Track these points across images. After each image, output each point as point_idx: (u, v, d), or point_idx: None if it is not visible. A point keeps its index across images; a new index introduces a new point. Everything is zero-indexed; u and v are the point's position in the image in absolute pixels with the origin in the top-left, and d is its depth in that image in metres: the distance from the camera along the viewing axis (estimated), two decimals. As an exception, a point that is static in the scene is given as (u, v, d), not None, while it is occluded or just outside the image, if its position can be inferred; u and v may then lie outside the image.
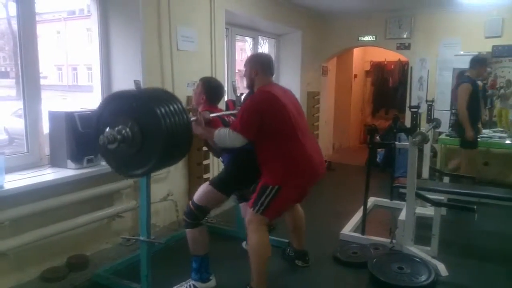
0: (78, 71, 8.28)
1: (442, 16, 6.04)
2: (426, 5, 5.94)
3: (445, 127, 5.44)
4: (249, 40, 6.03)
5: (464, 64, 5.80)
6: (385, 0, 5.72)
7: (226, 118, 2.88)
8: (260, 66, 2.66)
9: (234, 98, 3.25)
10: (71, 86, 8.11)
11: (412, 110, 4.50)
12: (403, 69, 8.20)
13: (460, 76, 5.81)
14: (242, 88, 4.46)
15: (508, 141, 4.96)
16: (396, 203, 4.48)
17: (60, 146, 2.94)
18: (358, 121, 9.18)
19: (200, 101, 2.91)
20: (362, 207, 3.81)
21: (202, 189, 2.75)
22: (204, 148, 4.05)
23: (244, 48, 7.28)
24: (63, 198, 2.85)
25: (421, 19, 6.23)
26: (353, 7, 6.26)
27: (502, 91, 5.63)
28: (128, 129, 2.05)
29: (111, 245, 3.35)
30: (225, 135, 2.50)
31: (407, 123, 5.89)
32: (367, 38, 6.71)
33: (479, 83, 5.00)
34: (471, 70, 4.68)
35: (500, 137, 5.06)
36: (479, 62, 4.72)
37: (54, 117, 2.96)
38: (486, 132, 5.23)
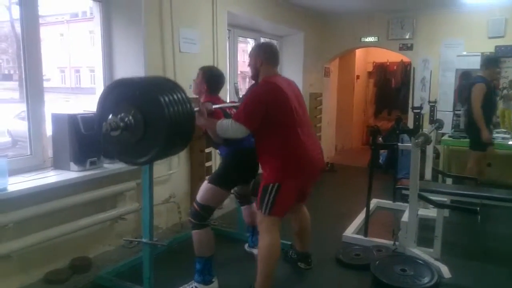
0: (81, 73, 8.31)
1: (445, 16, 6.03)
2: (429, 6, 5.93)
3: (448, 128, 5.43)
4: (251, 42, 6.03)
5: (467, 64, 5.83)
6: (387, 1, 5.72)
7: (228, 110, 2.88)
8: (265, 56, 2.64)
9: (236, 99, 3.25)
10: (74, 88, 8.14)
11: (415, 111, 4.49)
12: (406, 70, 8.18)
13: (465, 76, 5.82)
14: (244, 90, 4.47)
15: (511, 142, 4.93)
16: (398, 204, 4.46)
17: (63, 148, 2.95)
18: (361, 122, 9.18)
19: (201, 90, 2.90)
20: (364, 209, 3.81)
21: (202, 188, 2.77)
22: (207, 150, 4.07)
23: (246, 50, 7.30)
24: (66, 200, 2.86)
25: (424, 19, 6.22)
26: (355, 8, 6.26)
27: (505, 91, 5.62)
28: (131, 117, 2.04)
29: (114, 247, 3.35)
30: (227, 126, 2.48)
31: (410, 124, 5.87)
32: (370, 39, 6.70)
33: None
34: (485, 70, 4.61)
35: (503, 138, 5.04)
36: (492, 62, 4.65)
37: (57, 119, 2.97)
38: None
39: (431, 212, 3.87)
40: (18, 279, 2.70)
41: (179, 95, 2.12)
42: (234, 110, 2.89)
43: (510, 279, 3.06)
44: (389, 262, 3.05)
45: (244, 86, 4.72)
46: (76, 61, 8.16)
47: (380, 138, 5.98)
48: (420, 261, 3.05)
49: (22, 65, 2.89)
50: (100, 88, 3.56)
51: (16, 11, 2.87)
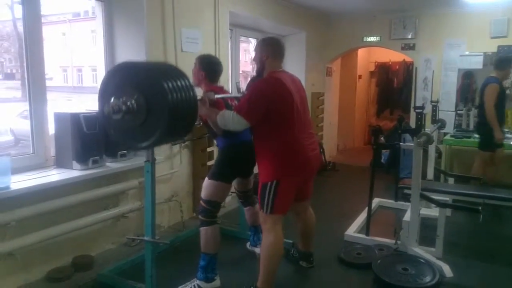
0: (83, 73, 8.32)
1: (447, 16, 6.02)
2: (431, 6, 5.92)
3: (450, 128, 5.43)
4: (253, 41, 6.04)
5: (469, 64, 5.83)
6: (390, 1, 5.71)
7: (229, 102, 2.88)
8: (271, 50, 2.63)
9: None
10: (76, 88, 8.15)
11: (417, 110, 4.48)
12: (408, 69, 8.17)
13: (467, 76, 5.81)
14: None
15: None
16: (400, 204, 4.46)
17: (65, 147, 2.96)
18: (363, 122, 9.17)
19: (199, 78, 2.87)
20: (366, 208, 3.81)
21: (204, 185, 2.80)
22: (209, 149, 4.07)
23: (248, 49, 7.30)
24: (69, 199, 2.87)
25: (426, 19, 6.21)
26: (358, 8, 6.25)
27: (508, 91, 5.60)
28: (133, 101, 2.02)
29: (116, 246, 3.36)
30: (229, 118, 2.47)
31: (412, 123, 5.87)
32: (372, 38, 6.70)
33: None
34: (497, 70, 4.54)
35: (506, 138, 5.02)
36: (505, 62, 4.59)
37: (59, 118, 2.98)
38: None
39: (433, 212, 3.87)
40: (20, 277, 2.70)
41: (183, 82, 2.09)
42: (236, 101, 2.90)
43: (512, 278, 3.06)
44: (390, 261, 3.05)
45: (245, 85, 4.72)
46: (78, 61, 8.16)
47: (382, 138, 5.98)
48: (422, 260, 3.05)
49: (25, 64, 2.90)
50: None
51: (18, 10, 2.88)
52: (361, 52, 8.37)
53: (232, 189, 3.16)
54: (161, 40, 3.60)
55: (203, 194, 2.78)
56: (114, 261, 3.07)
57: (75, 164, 2.95)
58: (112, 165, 3.17)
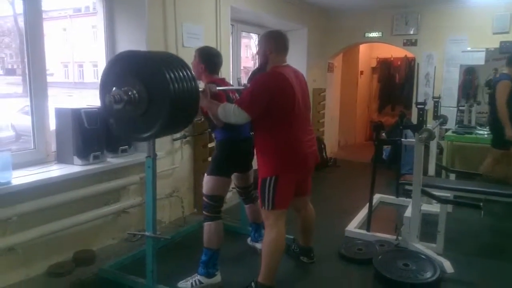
0: (84, 68, 8.32)
1: (449, 12, 5.99)
2: (433, 1, 5.89)
3: (451, 124, 5.41)
4: (254, 37, 6.02)
5: (471, 60, 5.81)
6: (392, -4, 5.69)
7: (231, 94, 2.87)
8: (275, 43, 2.61)
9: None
10: (77, 83, 8.15)
11: (419, 106, 4.46)
12: (410, 65, 8.16)
13: (469, 72, 5.78)
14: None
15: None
16: (402, 200, 4.45)
17: (66, 142, 2.95)
18: (364, 118, 9.15)
19: (199, 70, 2.85)
20: (367, 204, 3.81)
21: (204, 181, 2.80)
22: (210, 145, 4.07)
23: (249, 45, 7.29)
24: (70, 194, 2.87)
25: (428, 15, 6.18)
26: (360, 3, 6.22)
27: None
28: (135, 91, 2.00)
29: (117, 241, 3.37)
30: (230, 110, 2.45)
31: (414, 119, 5.86)
32: (374, 34, 6.67)
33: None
34: (510, 67, 4.49)
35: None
36: None
37: (60, 113, 2.98)
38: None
39: (434, 208, 3.87)
40: (22, 272, 2.71)
41: (185, 72, 2.08)
42: (237, 94, 2.89)
43: (513, 274, 3.06)
44: (391, 257, 3.05)
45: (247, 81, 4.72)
46: (79, 56, 8.17)
47: (383, 134, 5.98)
48: (423, 256, 3.05)
49: (26, 59, 2.89)
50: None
51: (19, 6, 2.87)
52: (363, 48, 8.35)
53: (233, 185, 3.16)
54: (162, 35, 3.59)
55: (204, 189, 2.79)
56: (115, 256, 3.08)
57: (76, 160, 2.94)
58: (113, 161, 3.17)
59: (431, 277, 2.78)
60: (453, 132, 5.22)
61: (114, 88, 2.02)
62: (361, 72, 8.66)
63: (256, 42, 5.85)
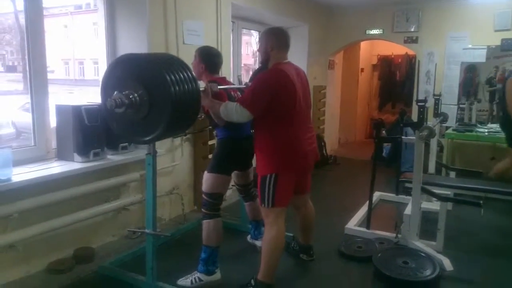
0: (85, 65, 8.31)
1: (450, 9, 5.98)
2: (434, -2, 5.89)
3: (452, 122, 5.41)
4: (255, 34, 6.01)
5: (473, 58, 5.80)
6: (393, -7, 5.68)
7: (232, 93, 2.87)
8: (276, 40, 2.60)
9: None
10: (78, 80, 8.14)
11: (419, 104, 4.47)
12: (410, 63, 8.14)
13: (470, 70, 5.76)
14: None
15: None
16: (401, 197, 4.47)
17: (66, 139, 2.96)
18: (365, 115, 9.15)
19: (199, 70, 2.85)
20: (367, 202, 3.81)
21: (204, 179, 2.80)
22: (210, 142, 4.07)
23: (250, 42, 7.28)
24: (70, 191, 2.88)
25: (429, 12, 6.17)
26: (360, 0, 6.21)
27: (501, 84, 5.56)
28: (136, 95, 2.01)
29: (117, 238, 3.38)
30: (232, 109, 2.45)
31: (414, 117, 5.86)
32: (374, 31, 6.66)
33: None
34: None
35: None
36: None
37: (61, 111, 2.98)
38: (493, 126, 5.19)
39: (434, 205, 3.87)
40: (22, 269, 2.72)
41: (185, 74, 2.08)
42: (239, 93, 2.89)
43: (512, 272, 3.07)
44: (391, 255, 3.05)
45: (247, 78, 4.72)
46: (80, 53, 8.15)
47: (383, 131, 5.97)
48: (422, 254, 3.05)
49: (26, 56, 2.89)
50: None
51: (20, 3, 2.87)
52: (363, 45, 8.33)
53: (233, 183, 3.16)
54: (163, 32, 3.59)
55: (204, 187, 2.79)
56: (115, 253, 3.09)
57: (76, 157, 2.95)
58: (113, 158, 3.18)
59: (430, 274, 2.78)
60: (453, 130, 5.21)
61: (115, 92, 2.02)
62: (362, 70, 8.65)
63: (257, 39, 5.85)
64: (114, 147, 3.25)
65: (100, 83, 2.17)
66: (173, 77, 2.00)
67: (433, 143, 4.61)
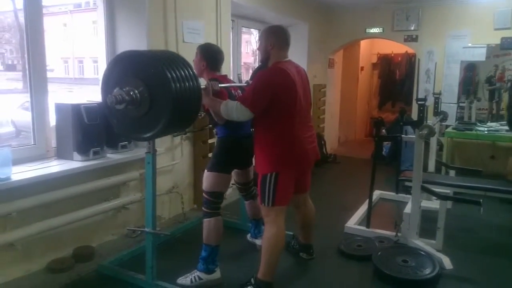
0: (84, 64, 8.32)
1: (450, 7, 5.98)
2: (434, -3, 5.88)
3: (452, 120, 5.41)
4: (255, 33, 6.01)
5: (472, 56, 5.80)
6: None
7: (233, 91, 2.86)
8: (276, 39, 2.59)
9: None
10: (77, 79, 8.15)
11: (419, 102, 4.46)
12: (410, 61, 8.14)
13: (469, 68, 5.76)
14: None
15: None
16: (401, 196, 4.46)
17: (66, 138, 2.95)
18: (365, 114, 9.15)
19: (200, 68, 2.84)
20: (367, 200, 3.81)
21: (204, 178, 2.80)
22: (210, 141, 4.07)
23: (250, 41, 7.28)
24: (69, 190, 2.87)
25: (429, 11, 6.17)
26: (360, -1, 6.21)
27: (510, 84, 5.57)
28: (136, 91, 2.00)
29: (116, 237, 3.38)
30: (232, 108, 2.44)
31: (414, 116, 5.85)
32: (374, 30, 6.66)
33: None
34: None
35: (507, 131, 5.01)
36: None
37: (60, 109, 2.98)
38: (493, 125, 5.19)
39: (433, 204, 3.87)
40: (21, 268, 2.72)
41: (186, 71, 2.07)
42: (240, 91, 2.89)
43: (512, 271, 3.07)
44: (391, 253, 3.05)
45: (247, 77, 4.73)
46: (80, 52, 8.16)
47: (383, 130, 5.97)
48: (422, 252, 3.05)
49: (26, 55, 2.89)
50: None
51: (19, 1, 2.86)
52: (363, 44, 8.32)
53: (233, 182, 3.16)
54: (162, 31, 3.58)
55: (204, 186, 2.78)
56: (115, 252, 3.08)
57: (76, 155, 2.95)
58: (113, 156, 3.17)
59: (430, 273, 2.79)
60: (453, 128, 5.21)
61: (116, 89, 2.02)
62: (362, 68, 8.64)
63: (257, 38, 5.85)
64: (114, 146, 3.25)
65: (101, 79, 2.17)
66: (174, 74, 1.99)
67: (433, 141, 4.61)
